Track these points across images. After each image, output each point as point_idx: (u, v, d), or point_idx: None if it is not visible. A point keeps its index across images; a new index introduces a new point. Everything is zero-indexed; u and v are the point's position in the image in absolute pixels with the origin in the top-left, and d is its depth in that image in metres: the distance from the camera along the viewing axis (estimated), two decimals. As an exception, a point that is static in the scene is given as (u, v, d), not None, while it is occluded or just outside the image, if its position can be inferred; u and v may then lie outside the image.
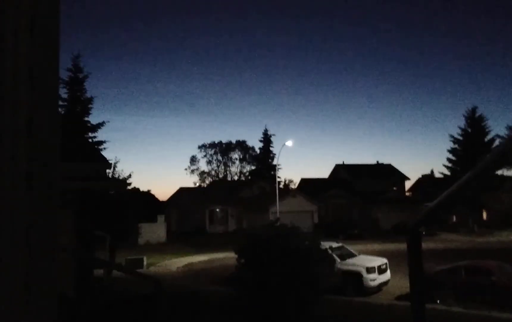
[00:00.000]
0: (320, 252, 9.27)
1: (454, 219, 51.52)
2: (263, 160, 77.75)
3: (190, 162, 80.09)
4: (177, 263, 28.42)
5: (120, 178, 28.03)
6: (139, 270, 20.05)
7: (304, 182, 66.37)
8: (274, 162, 75.76)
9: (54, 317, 1.26)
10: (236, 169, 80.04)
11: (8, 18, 1.22)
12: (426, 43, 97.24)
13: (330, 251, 16.84)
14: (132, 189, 41.25)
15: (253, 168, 79.11)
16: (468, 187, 3.07)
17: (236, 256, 9.20)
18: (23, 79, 1.22)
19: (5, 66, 1.20)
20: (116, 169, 28.82)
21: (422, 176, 68.02)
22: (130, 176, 30.47)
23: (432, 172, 66.99)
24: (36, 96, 1.23)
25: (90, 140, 29.21)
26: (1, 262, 1.18)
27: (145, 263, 25.80)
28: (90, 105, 30.44)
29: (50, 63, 1.27)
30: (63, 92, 29.82)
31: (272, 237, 8.24)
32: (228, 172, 79.58)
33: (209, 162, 79.21)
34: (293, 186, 70.94)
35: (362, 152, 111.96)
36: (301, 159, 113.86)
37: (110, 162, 22.25)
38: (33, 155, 1.21)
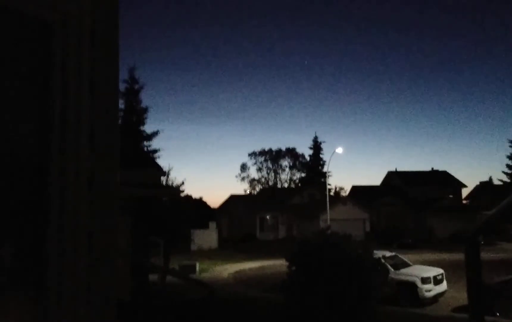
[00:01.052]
0: (372, 260, 9.08)
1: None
2: (313, 167, 77.21)
3: (241, 170, 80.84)
4: (228, 269, 28.68)
5: (174, 185, 28.73)
6: (191, 276, 20.42)
7: (355, 189, 65.26)
8: (324, 169, 74.96)
9: (113, 319, 1.31)
10: (286, 176, 79.98)
11: (72, 33, 1.29)
12: (482, 47, 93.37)
13: (383, 260, 16.47)
14: (184, 196, 42.18)
15: (303, 175, 78.74)
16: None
17: (286, 263, 9.20)
18: (85, 89, 1.29)
19: (69, 80, 1.27)
20: (169, 176, 29.60)
21: (480, 183, 65.16)
22: (183, 183, 31.23)
23: (490, 179, 64.10)
24: (97, 104, 1.30)
25: (145, 149, 30.15)
26: (65, 264, 1.25)
27: (197, 269, 26.24)
28: (145, 115, 31.47)
29: (110, 74, 1.33)
30: (120, 103, 30.95)
31: (323, 245, 8.17)
32: (278, 179, 79.66)
33: (259, 169, 79.65)
34: (344, 193, 69.98)
35: (416, 160, 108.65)
36: (352, 166, 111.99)
37: (164, 170, 22.86)
38: (95, 162, 1.27)
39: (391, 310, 13.47)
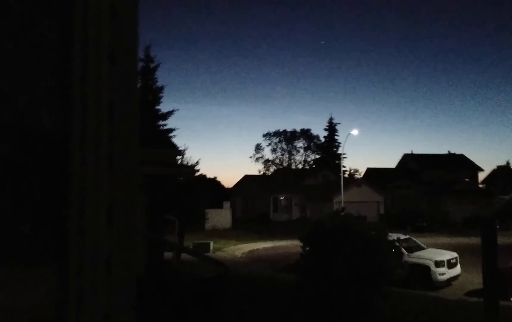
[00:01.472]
0: (388, 242, 9.07)
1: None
2: (328, 149, 76.91)
3: (255, 150, 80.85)
4: (241, 248, 28.92)
5: (189, 164, 28.88)
6: (205, 254, 20.66)
7: (370, 171, 64.94)
8: (339, 151, 74.69)
9: (133, 295, 1.31)
10: (301, 158, 79.81)
11: (91, 8, 1.30)
12: (500, 31, 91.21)
13: (397, 243, 16.46)
14: (199, 175, 42.42)
15: (317, 156, 78.50)
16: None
17: (300, 244, 9.23)
18: (104, 64, 1.28)
19: (89, 52, 1.27)
20: (184, 155, 29.72)
21: (497, 167, 64.31)
22: (197, 163, 31.32)
23: (508, 163, 63.16)
24: (117, 78, 1.28)
25: (160, 127, 30.29)
26: (85, 240, 1.26)
27: (211, 247, 26.52)
28: (161, 94, 31.52)
29: (129, 46, 1.31)
30: (135, 82, 31.00)
31: (337, 226, 8.17)
32: (292, 160, 79.56)
33: (273, 150, 79.55)
34: (358, 176, 69.65)
35: (432, 142, 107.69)
36: (367, 148, 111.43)
37: (180, 149, 22.95)
38: (114, 139, 1.27)
39: (404, 292, 13.48)
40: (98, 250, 1.26)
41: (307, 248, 8.59)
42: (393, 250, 9.92)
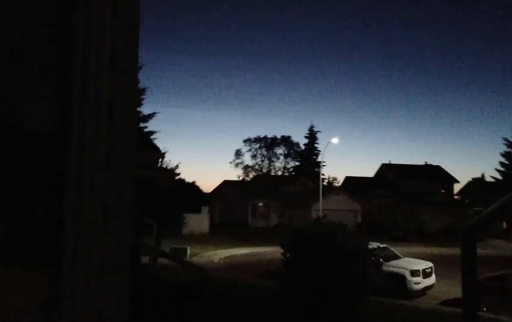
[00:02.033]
0: (368, 251, 9.20)
1: (504, 225, 49.39)
2: (308, 156, 77.34)
3: (235, 155, 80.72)
4: (219, 254, 28.80)
5: (168, 168, 28.68)
6: (184, 259, 20.51)
7: (348, 180, 65.52)
8: (319, 159, 75.17)
9: (127, 296, 1.31)
10: (280, 164, 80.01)
11: (94, 8, 1.28)
12: (478, 44, 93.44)
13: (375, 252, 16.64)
14: (178, 179, 42.14)
15: (297, 164, 78.83)
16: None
17: (280, 250, 9.25)
18: (106, 65, 1.27)
19: (91, 51, 1.26)
20: (164, 159, 29.51)
21: (472, 179, 65.62)
22: (177, 166, 31.12)
23: (482, 175, 64.52)
24: (116, 78, 1.28)
25: (142, 129, 30.03)
26: (80, 240, 1.25)
27: (188, 253, 26.30)
28: (142, 96, 31.24)
29: (130, 45, 1.31)
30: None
31: (320, 233, 8.23)
32: (272, 167, 79.70)
33: (253, 156, 79.57)
34: (337, 184, 70.20)
35: (410, 153, 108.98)
36: (347, 157, 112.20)
37: (161, 152, 22.78)
38: (112, 140, 1.26)
39: (380, 301, 13.60)
40: (93, 249, 1.26)
41: (289, 255, 8.62)
42: (373, 259, 10.05)
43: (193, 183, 62.31)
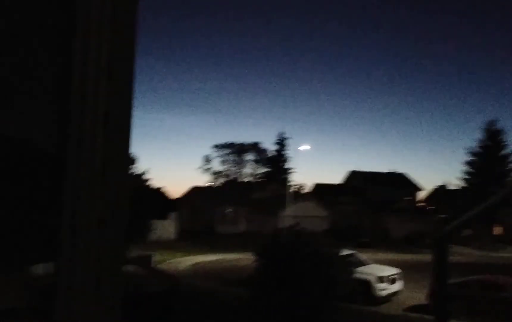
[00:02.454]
0: (340, 258, 9.28)
1: (467, 232, 50.95)
2: (277, 163, 77.67)
3: (204, 161, 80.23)
4: (186, 261, 28.52)
5: (135, 173, 28.24)
6: (153, 267, 20.14)
7: (317, 187, 66.20)
8: (288, 166, 75.68)
9: (119, 313, 1.31)
10: (249, 171, 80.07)
11: (90, 21, 1.28)
12: (444, 54, 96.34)
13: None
14: (145, 185, 41.56)
15: (266, 170, 79.05)
16: (500, 205, 3.05)
17: (249, 257, 9.23)
18: (103, 72, 1.28)
19: (89, 61, 1.26)
20: (134, 164, 29.05)
21: (436, 187, 67.48)
22: (144, 172, 30.65)
23: (445, 184, 66.41)
24: (113, 90, 1.29)
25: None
26: (76, 253, 1.25)
27: (154, 260, 25.80)
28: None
29: (126, 59, 1.32)
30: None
31: (293, 240, 8.26)
32: (241, 173, 79.63)
33: (223, 162, 79.32)
34: (305, 191, 70.79)
35: (378, 160, 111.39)
36: (315, 164, 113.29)
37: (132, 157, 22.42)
38: (108, 152, 1.26)
39: (347, 307, 13.76)
40: (89, 260, 1.26)
41: (262, 262, 8.59)
42: (344, 265, 10.15)
43: (161, 188, 61.58)
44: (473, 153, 57.77)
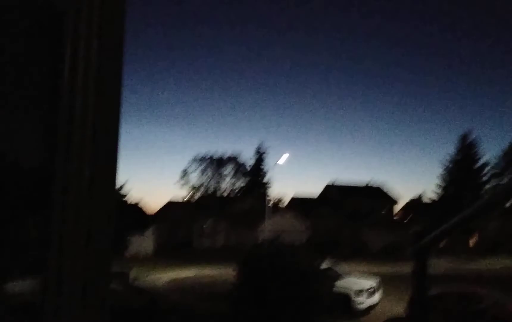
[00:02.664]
0: (320, 271, 9.30)
1: (441, 244, 51.78)
2: (255, 176, 77.71)
3: (181, 175, 79.67)
4: (164, 277, 28.17)
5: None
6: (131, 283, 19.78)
7: (294, 200, 66.45)
8: (266, 179, 75.77)
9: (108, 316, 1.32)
10: (227, 184, 79.84)
11: (83, 21, 1.30)
12: (420, 66, 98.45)
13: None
14: (121, 200, 41.03)
15: (244, 183, 78.96)
16: (476, 217, 3.11)
17: (227, 271, 9.18)
18: (92, 87, 1.30)
19: (78, 74, 1.27)
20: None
21: (410, 200, 68.57)
22: (121, 187, 30.24)
23: (420, 196, 67.51)
24: (102, 101, 1.31)
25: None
26: (64, 262, 1.25)
27: (131, 276, 25.36)
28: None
29: (115, 68, 1.34)
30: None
31: (273, 254, 8.24)
32: (219, 187, 79.31)
33: (200, 176, 78.91)
34: (284, 204, 70.95)
35: (357, 171, 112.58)
36: (293, 177, 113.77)
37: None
38: (96, 163, 1.27)
39: (326, 321, 13.77)
40: (75, 272, 1.27)
41: (243, 276, 8.54)
42: (324, 279, 10.17)
43: (137, 203, 60.82)
44: (448, 165, 59.02)
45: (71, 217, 1.26)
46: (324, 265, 18.26)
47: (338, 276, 18.16)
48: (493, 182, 58.54)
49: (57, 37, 1.27)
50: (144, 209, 62.07)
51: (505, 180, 57.79)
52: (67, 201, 1.26)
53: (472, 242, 52.21)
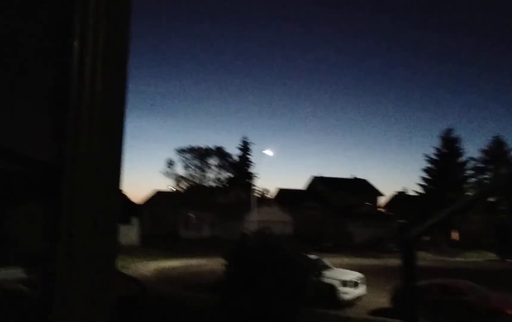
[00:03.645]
0: (308, 262, 9.39)
1: (425, 238, 52.41)
2: (241, 168, 77.72)
3: (167, 166, 79.34)
4: (149, 267, 28.08)
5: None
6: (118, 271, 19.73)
7: (281, 192, 66.67)
8: (252, 170, 75.91)
9: (113, 312, 1.34)
10: (213, 175, 79.74)
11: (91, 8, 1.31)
12: (405, 62, 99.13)
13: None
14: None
15: (230, 175, 78.96)
16: (463, 212, 3.19)
17: (214, 262, 9.24)
18: (99, 77, 1.31)
19: (86, 65, 1.28)
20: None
21: (396, 192, 69.20)
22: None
23: (404, 190, 68.19)
24: (107, 96, 1.31)
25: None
26: (73, 250, 1.27)
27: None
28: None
29: (120, 65, 1.35)
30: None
31: (262, 244, 8.30)
32: (205, 178, 79.18)
33: (186, 167, 78.67)
34: (269, 196, 71.15)
35: (341, 166, 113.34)
36: (280, 169, 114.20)
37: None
38: (103, 156, 1.29)
39: (312, 311, 13.91)
40: (83, 267, 1.28)
41: (231, 266, 8.58)
42: (313, 269, 10.27)
43: (122, 192, 60.38)
44: (431, 161, 59.66)
45: (79, 208, 1.28)
46: (311, 256, 18.43)
47: (324, 267, 18.31)
48: (476, 177, 59.51)
49: (64, 38, 1.28)
50: (130, 199, 61.86)
51: (487, 174, 58.75)
52: (76, 193, 1.28)
53: (454, 236, 52.98)
